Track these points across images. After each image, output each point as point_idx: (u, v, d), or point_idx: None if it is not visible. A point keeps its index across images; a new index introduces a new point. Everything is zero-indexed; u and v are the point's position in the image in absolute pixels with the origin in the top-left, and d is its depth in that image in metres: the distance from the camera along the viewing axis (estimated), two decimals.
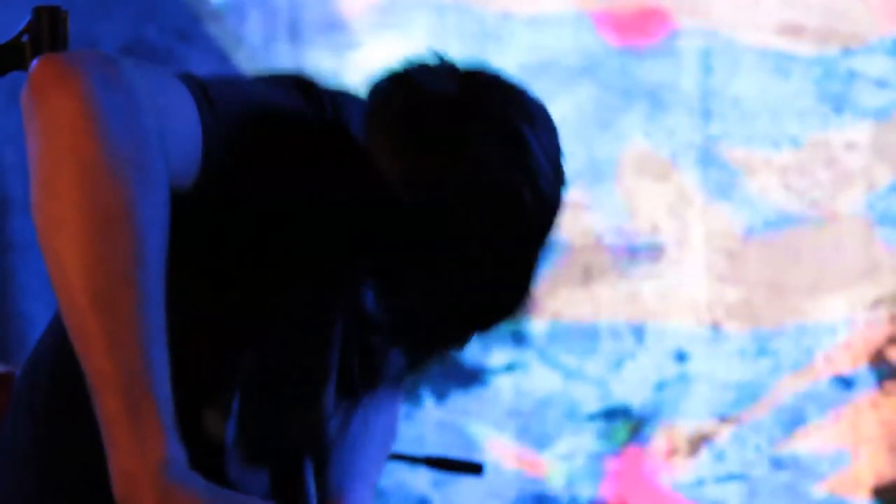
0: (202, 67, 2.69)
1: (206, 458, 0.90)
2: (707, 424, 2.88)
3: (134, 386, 0.83)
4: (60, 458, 1.04)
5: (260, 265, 1.04)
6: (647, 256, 2.86)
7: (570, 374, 2.80)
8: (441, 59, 1.09)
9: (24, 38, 1.07)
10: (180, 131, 0.94)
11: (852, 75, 2.96)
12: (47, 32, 1.08)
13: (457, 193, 1.02)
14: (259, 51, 2.68)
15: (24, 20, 1.08)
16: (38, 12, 1.08)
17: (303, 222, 1.03)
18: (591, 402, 2.81)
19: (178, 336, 0.89)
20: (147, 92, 0.91)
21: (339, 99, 1.10)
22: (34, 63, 0.92)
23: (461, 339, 1.11)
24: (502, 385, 2.81)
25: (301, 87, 1.08)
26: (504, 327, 1.11)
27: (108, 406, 0.83)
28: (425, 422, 2.75)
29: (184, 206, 0.95)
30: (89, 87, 0.88)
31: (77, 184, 0.86)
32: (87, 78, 0.88)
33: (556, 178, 1.06)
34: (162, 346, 0.85)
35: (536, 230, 1.06)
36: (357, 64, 2.66)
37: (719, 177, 2.90)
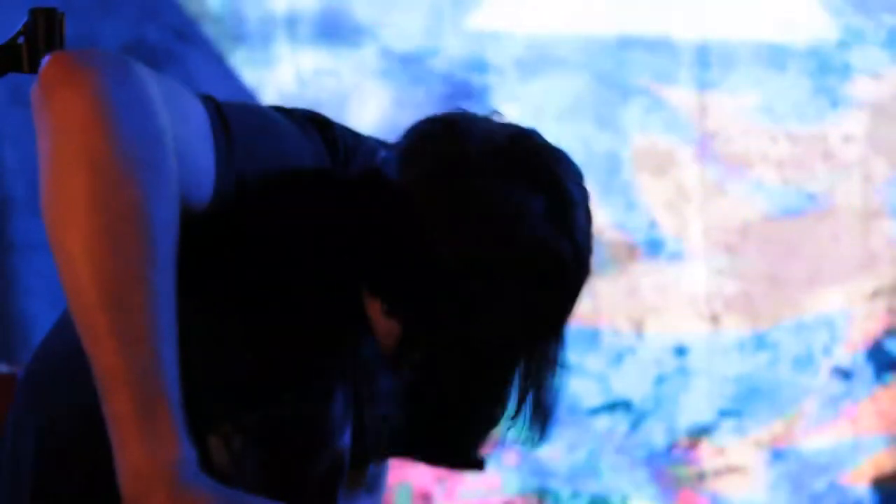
0: (201, 68, 2.69)
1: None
2: (707, 418, 2.88)
3: (145, 385, 0.82)
4: (64, 460, 1.03)
5: (267, 303, 1.02)
6: (646, 251, 2.85)
7: (570, 369, 2.80)
8: (490, 114, 1.06)
9: (21, 40, 1.06)
10: (193, 144, 0.93)
11: (848, 68, 2.95)
12: (43, 34, 1.07)
13: (497, 244, 0.99)
14: (257, 52, 2.67)
15: (20, 21, 1.07)
16: (34, 14, 1.07)
17: (316, 262, 1.01)
18: (592, 396, 2.81)
19: (183, 359, 0.87)
20: (160, 94, 0.90)
21: (351, 138, 1.07)
22: (44, 60, 0.90)
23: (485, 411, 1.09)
24: None
25: (314, 122, 1.05)
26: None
27: (118, 405, 0.82)
28: None
29: (193, 233, 0.93)
30: (101, 84, 0.86)
31: (88, 182, 0.84)
32: (98, 75, 0.87)
33: (590, 244, 1.04)
34: (173, 346, 0.84)
35: (571, 290, 1.03)
36: (355, 65, 2.66)
37: (717, 171, 2.89)
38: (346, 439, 1.11)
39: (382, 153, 1.07)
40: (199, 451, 0.85)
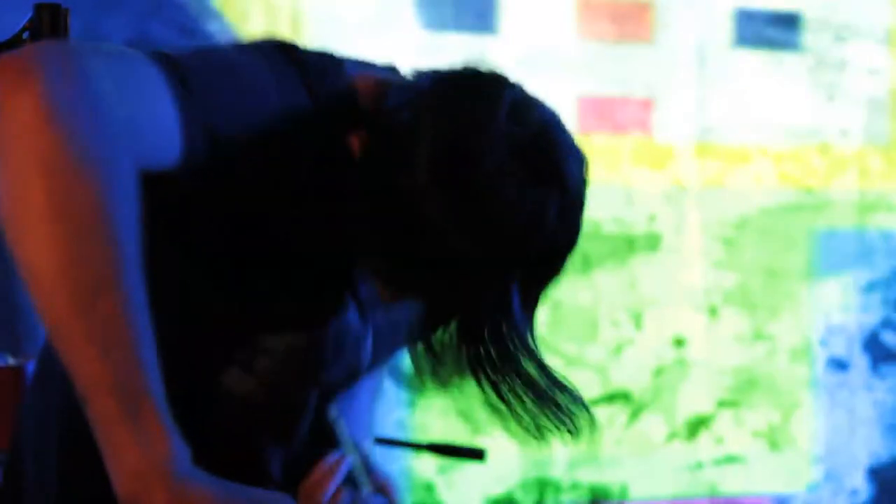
0: None
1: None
2: (705, 408, 2.88)
3: (129, 386, 0.80)
4: (87, 440, 1.01)
5: (250, 262, 1.01)
6: (645, 244, 2.85)
7: (570, 361, 2.79)
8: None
9: (26, 35, 1.06)
10: (152, 115, 0.89)
11: (845, 64, 2.94)
12: (48, 29, 1.07)
13: (508, 243, 0.98)
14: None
15: (25, 17, 1.07)
16: (38, 9, 1.07)
17: (294, 217, 0.99)
18: (592, 387, 2.80)
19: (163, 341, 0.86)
20: (111, 78, 0.86)
21: (321, 63, 1.04)
22: None
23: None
24: None
25: (280, 49, 1.03)
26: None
27: (103, 410, 0.80)
28: (430, 408, 2.74)
29: (170, 200, 0.92)
30: (45, 84, 0.82)
31: (44, 190, 0.81)
32: (42, 75, 0.82)
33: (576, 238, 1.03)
34: (151, 346, 0.82)
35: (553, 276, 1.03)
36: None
37: (715, 165, 2.89)
38: (367, 348, 1.10)
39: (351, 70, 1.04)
40: (216, 389, 0.83)
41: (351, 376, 1.12)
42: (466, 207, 0.96)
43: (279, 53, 1.02)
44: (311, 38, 2.67)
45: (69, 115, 0.82)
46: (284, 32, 2.67)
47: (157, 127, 0.90)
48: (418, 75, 1.05)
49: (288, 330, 1.04)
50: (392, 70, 1.11)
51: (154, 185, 0.88)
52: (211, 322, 1.01)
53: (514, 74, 1.07)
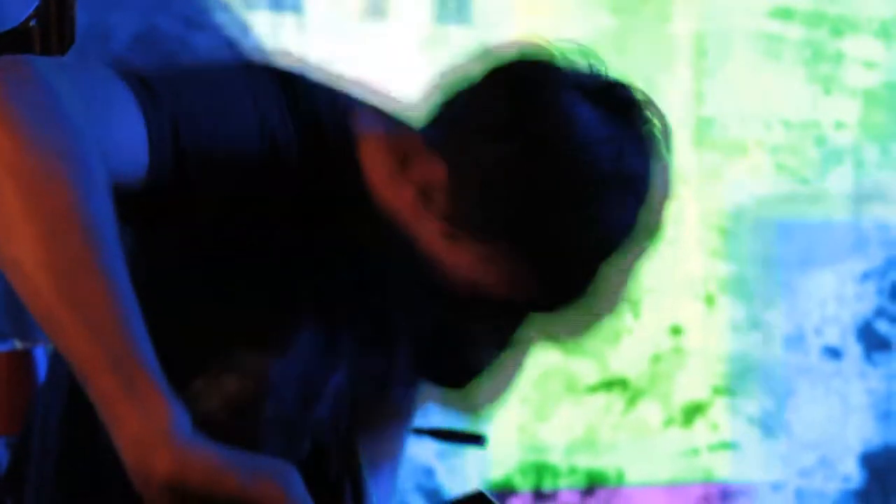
0: (213, 56, 2.69)
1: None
2: (701, 395, 2.88)
3: (123, 362, 0.82)
4: (88, 419, 1.02)
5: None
6: None
7: (569, 349, 2.80)
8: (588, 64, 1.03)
9: (33, 23, 1.06)
10: (117, 127, 0.91)
11: (841, 57, 2.94)
12: (55, 17, 1.07)
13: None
14: (267, 38, 2.67)
15: (33, 5, 1.07)
16: None
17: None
18: (590, 374, 2.81)
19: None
20: (73, 89, 0.88)
21: (312, 91, 1.04)
22: None
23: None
24: None
25: (271, 74, 1.02)
26: None
27: (102, 387, 0.82)
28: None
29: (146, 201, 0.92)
30: (3, 90, 0.84)
31: (14, 190, 0.83)
32: (1, 83, 0.84)
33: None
34: (138, 320, 0.84)
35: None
36: (362, 52, 2.66)
37: (713, 157, 2.89)
38: (336, 380, 1.10)
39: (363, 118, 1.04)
40: (182, 398, 0.85)
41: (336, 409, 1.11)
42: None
43: (269, 76, 1.02)
44: (315, 25, 2.67)
45: (28, 117, 0.84)
46: (289, 23, 2.67)
47: (121, 140, 0.91)
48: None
49: (253, 349, 1.05)
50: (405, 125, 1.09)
51: (123, 198, 0.89)
52: (185, 323, 1.02)
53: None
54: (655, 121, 1.03)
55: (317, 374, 1.08)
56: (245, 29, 2.67)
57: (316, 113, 1.03)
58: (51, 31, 1.06)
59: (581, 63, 1.04)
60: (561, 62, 1.03)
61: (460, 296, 1.01)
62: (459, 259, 1.00)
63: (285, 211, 1.00)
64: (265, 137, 0.98)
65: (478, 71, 1.03)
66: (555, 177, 0.98)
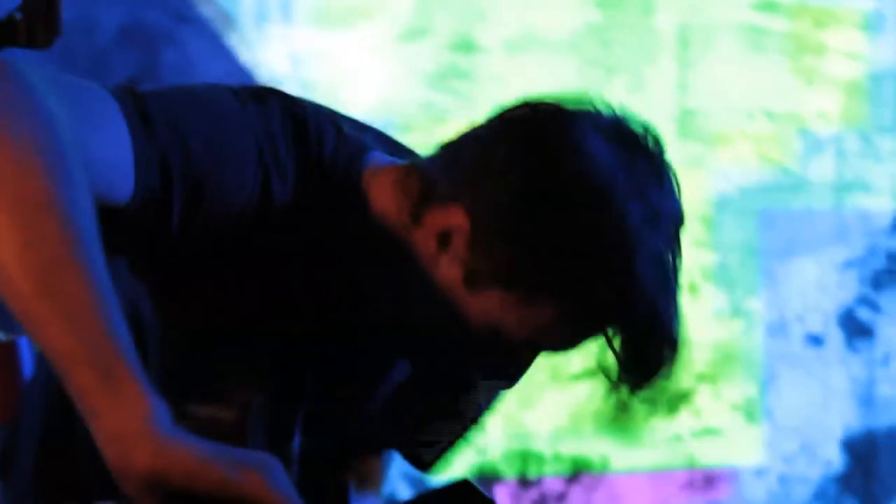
0: (200, 49, 2.68)
1: None
2: (685, 383, 2.89)
3: (100, 354, 0.81)
4: (70, 414, 1.02)
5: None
6: None
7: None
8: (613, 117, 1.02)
9: (19, 16, 1.06)
10: (103, 133, 0.90)
11: (824, 49, 2.95)
12: (41, 9, 1.07)
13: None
14: (252, 31, 2.67)
15: None
16: None
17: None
18: (574, 362, 2.81)
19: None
20: (51, 84, 0.87)
21: (320, 121, 1.03)
22: None
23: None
24: None
25: (282, 104, 1.02)
26: None
27: (80, 380, 0.81)
28: None
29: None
30: None
31: None
32: None
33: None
34: (118, 314, 0.82)
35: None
36: (349, 44, 2.65)
37: (696, 147, 2.90)
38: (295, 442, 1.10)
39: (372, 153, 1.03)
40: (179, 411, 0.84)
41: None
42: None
43: (277, 103, 1.01)
44: (303, 20, 2.67)
45: (5, 112, 0.83)
46: (274, 16, 2.67)
47: (110, 151, 0.90)
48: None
49: (238, 380, 1.05)
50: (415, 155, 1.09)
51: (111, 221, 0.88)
52: (173, 349, 1.02)
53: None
54: (663, 148, 1.02)
55: (293, 412, 1.08)
56: (231, 22, 2.67)
57: (321, 144, 1.02)
58: (36, 24, 1.06)
59: (586, 105, 1.02)
60: (569, 106, 1.02)
61: (477, 336, 1.01)
62: (479, 303, 1.00)
63: (276, 250, 1.00)
64: (258, 178, 0.97)
65: (487, 120, 1.02)
66: (580, 224, 0.97)
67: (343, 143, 1.04)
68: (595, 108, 1.03)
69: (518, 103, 1.03)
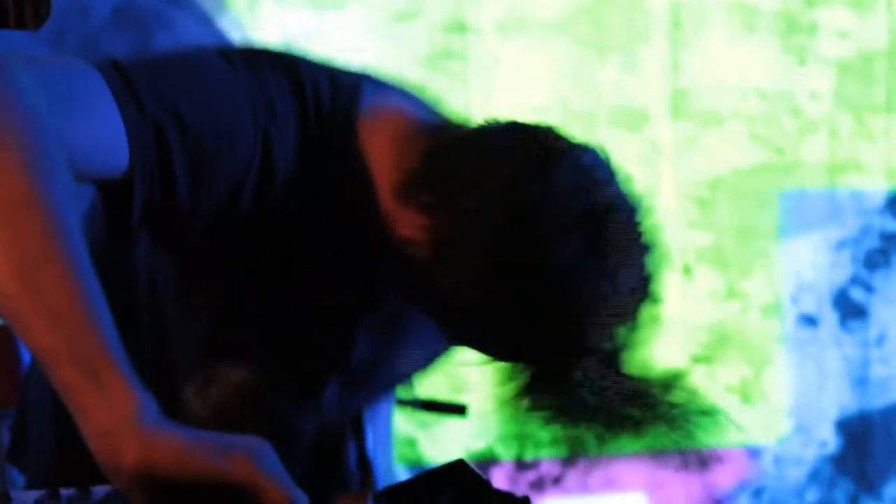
0: (192, 30, 2.66)
1: None
2: (680, 364, 2.88)
3: (84, 351, 0.80)
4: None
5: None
6: None
7: None
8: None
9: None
10: (89, 110, 0.89)
11: (815, 27, 2.94)
12: None
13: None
14: (244, 13, 2.65)
15: None
16: None
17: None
18: None
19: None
20: (35, 76, 0.86)
21: (320, 77, 1.03)
22: None
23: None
24: None
25: (281, 64, 1.01)
26: None
27: (65, 377, 0.80)
28: None
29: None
30: None
31: None
32: None
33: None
34: (103, 308, 0.82)
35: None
36: (341, 26, 2.64)
37: (689, 127, 2.89)
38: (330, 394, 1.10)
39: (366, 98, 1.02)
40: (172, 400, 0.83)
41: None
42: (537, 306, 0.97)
43: (269, 60, 1.00)
44: (295, 1, 2.65)
45: None
46: None
47: (97, 138, 0.89)
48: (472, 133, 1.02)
49: (244, 360, 1.04)
50: (420, 104, 1.08)
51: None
52: (181, 329, 1.02)
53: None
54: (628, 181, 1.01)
55: (307, 382, 1.07)
56: (224, 4, 2.64)
57: (318, 99, 1.01)
58: (26, 4, 1.04)
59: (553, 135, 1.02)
60: (550, 133, 1.02)
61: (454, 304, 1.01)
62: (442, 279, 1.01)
63: (280, 221, 0.99)
64: (258, 130, 0.97)
65: (482, 132, 1.02)
66: (531, 247, 0.98)
67: (338, 93, 1.03)
68: (566, 141, 1.05)
69: (508, 126, 1.03)
